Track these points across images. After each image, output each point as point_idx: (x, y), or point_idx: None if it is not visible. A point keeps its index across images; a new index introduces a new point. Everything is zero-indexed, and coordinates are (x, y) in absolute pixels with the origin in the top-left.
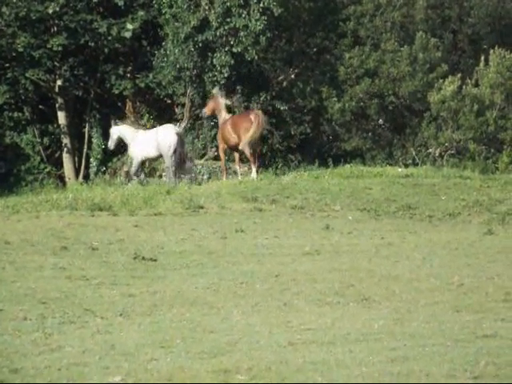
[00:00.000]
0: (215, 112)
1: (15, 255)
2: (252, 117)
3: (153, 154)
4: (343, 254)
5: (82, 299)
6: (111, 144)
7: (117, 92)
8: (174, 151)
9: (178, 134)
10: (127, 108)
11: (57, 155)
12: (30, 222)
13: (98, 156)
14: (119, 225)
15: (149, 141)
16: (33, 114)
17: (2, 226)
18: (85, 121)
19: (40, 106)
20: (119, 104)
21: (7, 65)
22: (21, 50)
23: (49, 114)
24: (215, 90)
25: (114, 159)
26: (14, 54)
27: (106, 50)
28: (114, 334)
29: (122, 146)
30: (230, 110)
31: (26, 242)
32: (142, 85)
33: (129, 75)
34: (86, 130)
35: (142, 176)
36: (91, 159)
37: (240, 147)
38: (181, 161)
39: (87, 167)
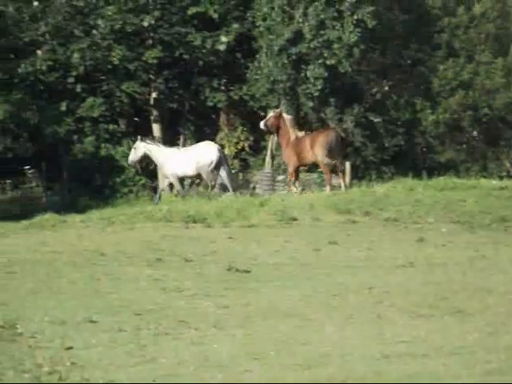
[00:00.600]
0: (277, 129)
1: (110, 267)
2: (326, 133)
3: (191, 172)
4: (437, 267)
5: (177, 311)
6: (134, 159)
7: (211, 104)
8: (216, 168)
9: (219, 150)
10: (221, 120)
11: (151, 167)
12: (125, 233)
13: None
14: (213, 236)
15: (187, 159)
16: (128, 127)
17: (97, 238)
18: (179, 133)
19: (135, 119)
20: (213, 116)
21: (103, 77)
22: (116, 62)
23: (144, 127)
24: (280, 111)
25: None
26: (109, 67)
27: (201, 63)
28: (208, 345)
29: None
30: (323, 122)
31: (121, 253)
32: (236, 97)
33: (223, 88)
34: (181, 142)
35: (181, 189)
36: None
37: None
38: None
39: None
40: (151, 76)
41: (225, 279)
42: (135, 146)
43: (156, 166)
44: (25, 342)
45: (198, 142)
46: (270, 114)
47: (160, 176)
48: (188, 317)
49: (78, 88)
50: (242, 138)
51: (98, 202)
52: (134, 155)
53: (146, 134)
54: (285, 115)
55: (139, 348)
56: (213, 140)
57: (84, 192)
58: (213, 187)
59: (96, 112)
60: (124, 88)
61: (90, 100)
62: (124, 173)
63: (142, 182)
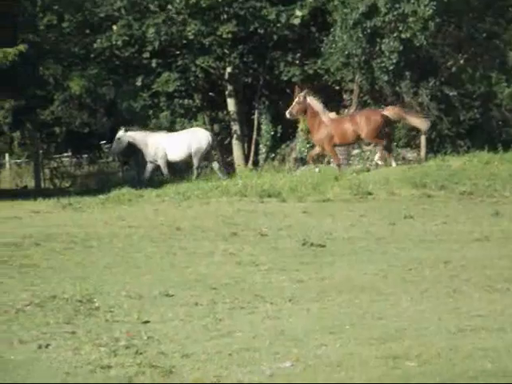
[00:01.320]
0: (305, 113)
1: (186, 241)
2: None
3: (183, 156)
4: None
5: (252, 285)
6: (116, 150)
7: (285, 79)
8: (207, 154)
9: (212, 137)
10: (296, 94)
11: (226, 142)
12: (200, 208)
13: (267, 142)
14: (288, 211)
15: (180, 144)
16: (203, 101)
17: (173, 213)
18: (254, 107)
19: (210, 93)
20: (288, 91)
21: (178, 52)
22: (191, 37)
23: (218, 101)
24: (303, 93)
25: (283, 145)
26: (184, 42)
27: (275, 37)
28: (284, 319)
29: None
30: (398, 96)
31: (197, 228)
32: (311, 71)
33: (297, 62)
34: (255, 116)
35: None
36: (260, 146)
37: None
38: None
39: (256, 154)
40: (226, 51)
41: (300, 253)
42: (118, 136)
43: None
44: (102, 315)
45: (272, 116)
46: (295, 100)
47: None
48: (263, 291)
49: (154, 63)
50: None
51: (174, 177)
52: (117, 146)
53: (221, 108)
54: (310, 99)
55: (215, 322)
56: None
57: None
58: (198, 174)
59: (171, 87)
60: (199, 63)
61: (165, 75)
62: None
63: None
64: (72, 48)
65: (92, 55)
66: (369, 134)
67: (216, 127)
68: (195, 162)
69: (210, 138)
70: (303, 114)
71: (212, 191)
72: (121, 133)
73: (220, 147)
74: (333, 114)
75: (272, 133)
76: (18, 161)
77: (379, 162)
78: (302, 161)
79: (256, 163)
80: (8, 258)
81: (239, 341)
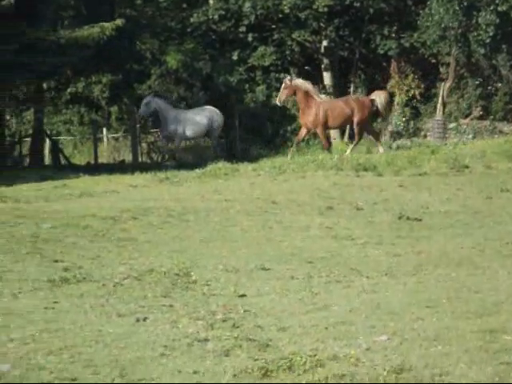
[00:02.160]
0: (295, 97)
1: (282, 215)
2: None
3: (201, 133)
4: None
5: (348, 258)
6: (144, 113)
7: (381, 52)
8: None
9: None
10: (392, 68)
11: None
12: (296, 182)
13: None
14: (384, 185)
15: (199, 121)
16: (299, 75)
17: (269, 186)
18: (350, 81)
19: (306, 67)
20: (384, 64)
21: (274, 26)
22: (287, 11)
23: (314, 75)
24: (288, 78)
25: (379, 119)
26: (280, 16)
27: (371, 10)
28: (380, 293)
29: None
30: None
31: (293, 201)
32: (407, 44)
33: (393, 35)
34: (351, 90)
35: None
36: None
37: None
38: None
39: (352, 127)
40: (322, 24)
41: (396, 227)
42: (146, 100)
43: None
44: (199, 289)
45: (368, 90)
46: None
47: (162, 134)
48: (359, 265)
49: (250, 37)
50: (413, 86)
51: (270, 151)
52: (145, 110)
53: (317, 82)
54: (297, 81)
55: (311, 295)
56: (383, 88)
57: (255, 141)
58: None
59: (267, 61)
60: (295, 37)
61: (261, 49)
62: (295, 121)
63: (314, 130)
64: (169, 22)
65: (188, 29)
66: (361, 120)
67: None
68: (213, 139)
69: (222, 118)
70: (293, 95)
71: (308, 165)
72: (149, 98)
73: None
74: (324, 97)
75: None
76: (116, 135)
77: (381, 149)
78: (398, 134)
79: (352, 137)
80: (106, 231)
81: (335, 314)
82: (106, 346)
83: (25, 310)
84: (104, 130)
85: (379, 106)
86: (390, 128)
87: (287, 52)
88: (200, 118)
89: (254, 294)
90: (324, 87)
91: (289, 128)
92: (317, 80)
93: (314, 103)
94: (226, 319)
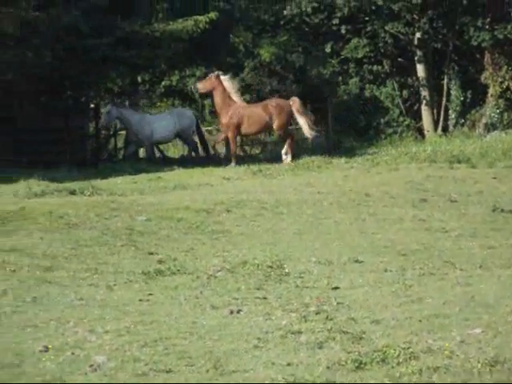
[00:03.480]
0: (213, 93)
1: (375, 207)
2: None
3: (169, 136)
4: None
5: (442, 251)
6: (107, 120)
7: (475, 44)
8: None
9: (196, 117)
10: (485, 60)
11: (415, 108)
12: (389, 174)
13: (457, 108)
14: (478, 177)
15: (165, 124)
16: (392, 67)
17: (362, 179)
18: (443, 73)
19: (399, 59)
20: (477, 56)
21: (367, 18)
22: (380, 3)
23: (408, 67)
24: (217, 73)
25: (473, 111)
26: (373, 8)
27: (465, 2)
28: (474, 285)
29: None
30: None
31: (386, 194)
32: (501, 36)
33: (487, 27)
34: (445, 82)
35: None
36: (450, 111)
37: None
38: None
39: (446, 119)
40: (415, 16)
41: (490, 220)
42: (107, 110)
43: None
44: (292, 281)
45: (462, 82)
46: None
47: (128, 139)
48: (453, 257)
49: (343, 29)
50: (507, 78)
51: (363, 143)
52: (107, 118)
53: (410, 74)
54: (223, 78)
55: (405, 288)
56: (477, 80)
57: (348, 133)
58: (194, 150)
59: (360, 53)
60: (388, 29)
61: (354, 41)
62: (388, 113)
63: (407, 122)
64: (262, 15)
65: (282, 22)
66: (281, 125)
67: (405, 93)
68: (187, 141)
69: (191, 119)
70: (210, 92)
71: (401, 157)
72: (109, 107)
73: (409, 113)
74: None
75: (461, 98)
76: (209, 128)
77: (288, 159)
78: (492, 126)
79: (445, 129)
80: (200, 224)
81: (429, 307)
82: (200, 338)
83: (120, 302)
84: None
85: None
86: (484, 120)
87: (380, 44)
88: (166, 122)
89: (348, 287)
90: (417, 79)
91: (382, 120)
92: (409, 72)
93: (231, 105)
94: (320, 311)
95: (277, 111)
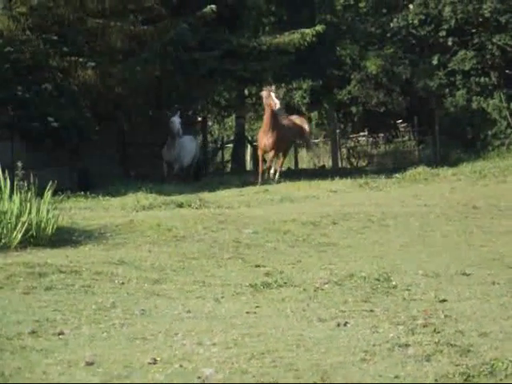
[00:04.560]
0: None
1: (483, 220)
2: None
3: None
4: None
5: None
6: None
7: None
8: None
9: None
10: None
11: None
12: (496, 186)
13: None
14: None
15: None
16: (499, 79)
17: (469, 191)
18: None
19: (506, 71)
20: None
21: (474, 30)
22: (487, 15)
23: None
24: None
25: None
26: (480, 20)
27: None
28: None
29: None
30: None
31: (493, 206)
32: None
33: None
34: None
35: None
36: None
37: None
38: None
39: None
40: None
41: None
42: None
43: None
44: (399, 294)
45: None
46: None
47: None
48: None
49: (450, 41)
50: None
51: (470, 155)
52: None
53: None
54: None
55: None
56: None
57: (455, 145)
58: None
59: (467, 65)
60: (495, 40)
61: (461, 53)
62: (496, 125)
63: None
64: (368, 28)
65: (388, 34)
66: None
67: None
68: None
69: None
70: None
71: (508, 169)
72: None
73: None
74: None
75: None
76: (316, 140)
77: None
78: None
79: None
80: (306, 236)
81: None
82: (307, 351)
83: (227, 314)
84: None
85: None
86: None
87: (487, 56)
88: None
89: (455, 299)
90: None
91: (489, 132)
92: None
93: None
94: (427, 324)
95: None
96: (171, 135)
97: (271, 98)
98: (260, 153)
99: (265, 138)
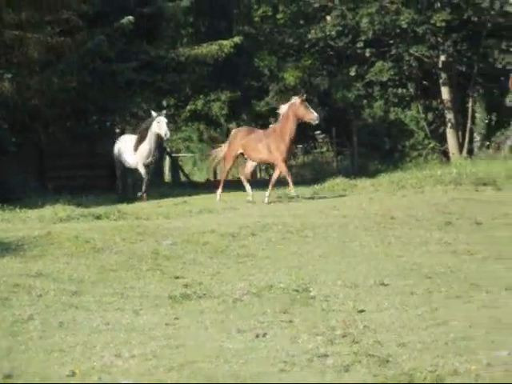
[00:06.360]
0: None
1: (401, 230)
2: None
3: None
4: None
5: (468, 274)
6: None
7: (499, 66)
8: None
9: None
10: (510, 82)
11: (440, 131)
12: (414, 197)
13: (482, 131)
14: (503, 199)
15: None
16: (417, 90)
17: (387, 202)
18: (468, 95)
19: (423, 82)
20: (502, 78)
21: (391, 41)
22: (405, 26)
23: (432, 90)
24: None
25: (498, 133)
26: (397, 31)
27: (489, 25)
28: (500, 308)
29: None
30: None
31: (411, 217)
32: None
33: None
34: (470, 104)
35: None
36: (475, 134)
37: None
38: None
39: (471, 142)
40: (439, 39)
41: None
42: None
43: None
44: (318, 305)
45: (487, 104)
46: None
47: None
48: (479, 280)
49: (367, 52)
50: None
51: (388, 166)
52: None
53: (435, 97)
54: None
55: (431, 311)
56: (502, 102)
57: (373, 156)
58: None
59: (385, 76)
60: (412, 52)
61: (378, 64)
62: (413, 136)
63: (432, 145)
64: (286, 39)
65: (306, 46)
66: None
67: (430, 116)
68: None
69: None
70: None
71: (426, 180)
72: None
73: (434, 136)
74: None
75: (486, 121)
76: None
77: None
78: None
79: (470, 151)
80: (225, 248)
81: (455, 330)
82: (227, 362)
83: (146, 326)
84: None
85: None
86: (509, 142)
87: (405, 67)
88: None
89: (374, 310)
90: (442, 102)
91: (407, 143)
92: (434, 95)
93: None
94: (346, 335)
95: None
96: (154, 137)
97: (309, 110)
98: (285, 165)
99: (286, 149)
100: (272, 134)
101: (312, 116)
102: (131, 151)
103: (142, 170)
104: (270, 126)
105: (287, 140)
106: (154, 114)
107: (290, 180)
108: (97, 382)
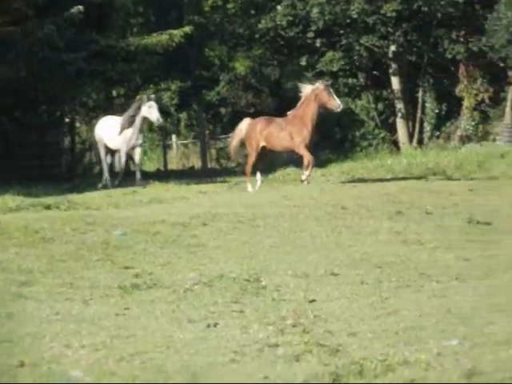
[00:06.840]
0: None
1: (351, 220)
2: None
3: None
4: None
5: (418, 263)
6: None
7: (450, 56)
8: None
9: None
10: (460, 72)
11: (390, 120)
12: (365, 187)
13: (432, 121)
14: (453, 189)
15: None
16: (367, 80)
17: (338, 192)
18: (418, 86)
19: (374, 72)
20: (452, 68)
21: (342, 31)
22: (355, 16)
23: (382, 80)
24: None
25: (448, 123)
26: (348, 21)
27: (439, 15)
28: (450, 297)
29: None
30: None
31: (362, 206)
32: (475, 49)
33: (461, 39)
34: (420, 94)
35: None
36: (425, 124)
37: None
38: None
39: (421, 132)
40: (390, 29)
41: (466, 232)
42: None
43: None
44: (269, 294)
45: (437, 94)
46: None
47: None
48: (429, 269)
49: (318, 42)
50: (482, 90)
51: (338, 156)
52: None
53: (385, 87)
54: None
55: (381, 300)
56: (452, 92)
57: (324, 146)
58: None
59: (335, 66)
60: (363, 42)
61: (329, 54)
62: (364, 126)
63: (382, 135)
64: (237, 29)
65: (256, 36)
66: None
67: (380, 106)
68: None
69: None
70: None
71: (376, 170)
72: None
73: (384, 126)
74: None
75: (436, 111)
76: (185, 141)
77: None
78: (467, 138)
79: (420, 141)
80: (176, 238)
81: (405, 319)
82: (177, 352)
83: (96, 316)
84: (173, 136)
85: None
86: (458, 132)
87: (355, 57)
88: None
89: (324, 299)
90: (392, 92)
91: (357, 133)
92: (384, 85)
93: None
94: (296, 324)
95: None
96: (140, 120)
97: (332, 96)
98: (307, 151)
99: (309, 135)
100: (293, 120)
101: (334, 103)
102: (114, 134)
103: (123, 156)
104: (288, 112)
105: (309, 125)
106: (144, 97)
107: (310, 167)
108: (46, 372)
